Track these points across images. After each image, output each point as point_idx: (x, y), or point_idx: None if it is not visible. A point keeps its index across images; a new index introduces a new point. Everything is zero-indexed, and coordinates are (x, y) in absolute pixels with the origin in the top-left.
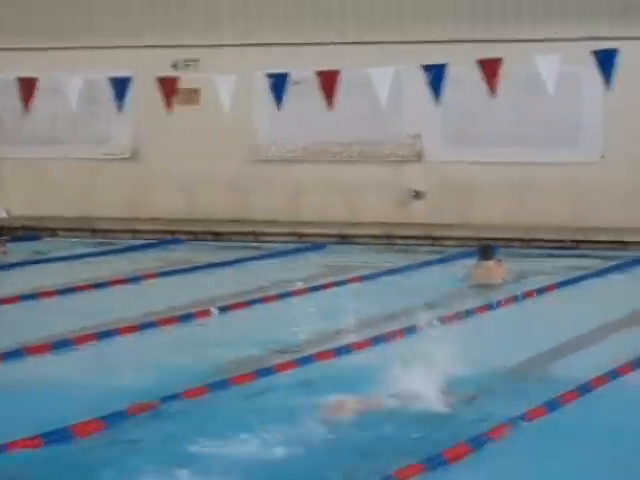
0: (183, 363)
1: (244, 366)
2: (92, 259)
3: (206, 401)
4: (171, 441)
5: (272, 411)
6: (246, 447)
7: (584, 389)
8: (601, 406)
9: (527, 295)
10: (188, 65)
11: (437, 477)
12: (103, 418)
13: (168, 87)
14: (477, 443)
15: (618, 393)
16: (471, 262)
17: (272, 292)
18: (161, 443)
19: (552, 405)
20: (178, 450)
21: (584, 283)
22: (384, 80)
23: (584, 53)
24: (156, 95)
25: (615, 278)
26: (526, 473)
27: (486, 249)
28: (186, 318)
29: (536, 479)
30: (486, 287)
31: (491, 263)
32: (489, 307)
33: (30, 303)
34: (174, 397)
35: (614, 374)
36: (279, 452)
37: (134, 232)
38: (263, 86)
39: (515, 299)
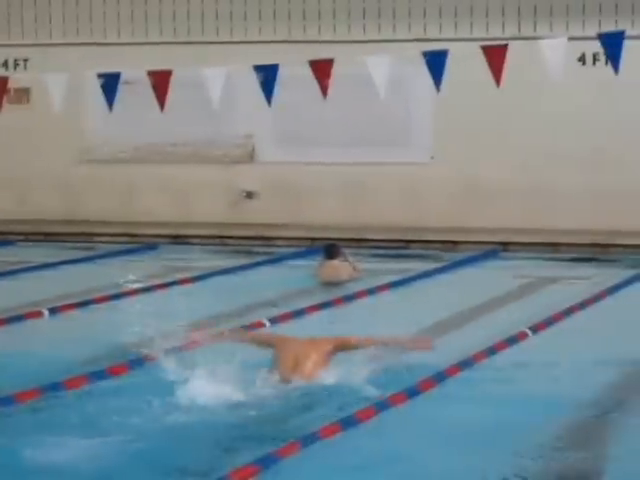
0: (12, 365)
1: (75, 369)
2: None
3: (38, 404)
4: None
5: (103, 415)
6: (76, 450)
7: (413, 391)
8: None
9: (362, 294)
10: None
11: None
12: None
13: None
14: (307, 440)
15: (448, 390)
16: (316, 261)
17: (105, 293)
18: None
19: (381, 405)
20: (12, 460)
21: (418, 282)
22: (216, 80)
23: (414, 54)
24: None
25: (446, 277)
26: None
27: (331, 248)
28: (15, 320)
29: None
30: (331, 285)
31: (336, 262)
32: (329, 304)
33: None
34: (5, 400)
35: (443, 375)
36: (110, 457)
37: None
38: (94, 86)
39: (351, 298)
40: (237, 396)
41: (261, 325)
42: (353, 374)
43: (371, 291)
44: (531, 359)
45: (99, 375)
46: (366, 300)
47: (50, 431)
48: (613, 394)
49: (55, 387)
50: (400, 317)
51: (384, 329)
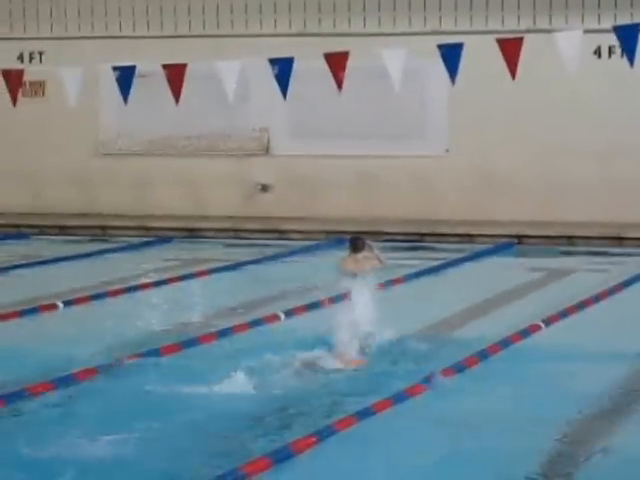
0: (27, 357)
1: (89, 361)
2: None
3: (51, 398)
4: (13, 441)
5: (117, 407)
6: (80, 448)
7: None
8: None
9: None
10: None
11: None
12: None
13: (13, 80)
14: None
15: (462, 383)
16: (340, 254)
17: (119, 286)
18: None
19: (400, 397)
20: (17, 451)
21: (433, 275)
22: (231, 73)
23: (429, 47)
24: (0, 87)
25: (460, 270)
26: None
27: (355, 241)
28: (31, 312)
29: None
30: (350, 278)
31: (360, 255)
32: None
33: None
34: (21, 393)
35: (460, 366)
36: (131, 448)
37: None
38: (109, 79)
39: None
40: (264, 386)
41: (276, 318)
42: (372, 366)
43: (386, 284)
44: (545, 352)
45: (111, 367)
46: (381, 293)
47: (64, 424)
48: (627, 387)
49: (69, 380)
50: (415, 310)
51: (399, 321)
